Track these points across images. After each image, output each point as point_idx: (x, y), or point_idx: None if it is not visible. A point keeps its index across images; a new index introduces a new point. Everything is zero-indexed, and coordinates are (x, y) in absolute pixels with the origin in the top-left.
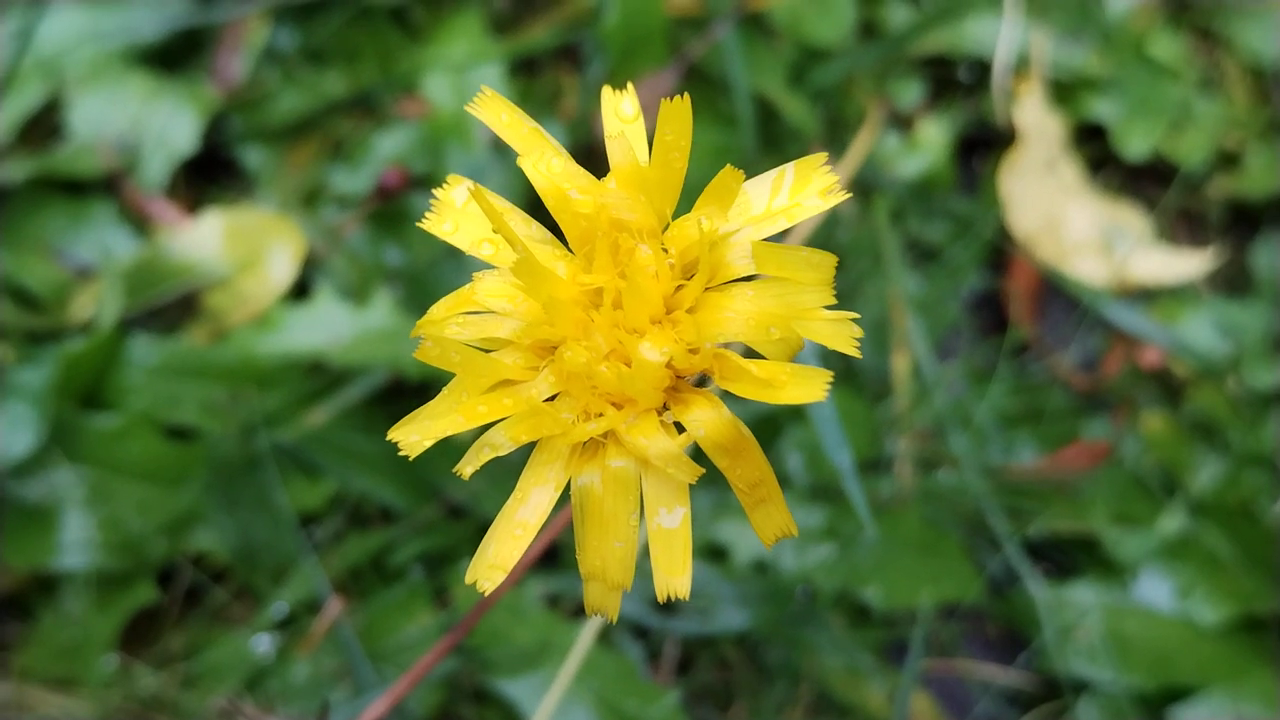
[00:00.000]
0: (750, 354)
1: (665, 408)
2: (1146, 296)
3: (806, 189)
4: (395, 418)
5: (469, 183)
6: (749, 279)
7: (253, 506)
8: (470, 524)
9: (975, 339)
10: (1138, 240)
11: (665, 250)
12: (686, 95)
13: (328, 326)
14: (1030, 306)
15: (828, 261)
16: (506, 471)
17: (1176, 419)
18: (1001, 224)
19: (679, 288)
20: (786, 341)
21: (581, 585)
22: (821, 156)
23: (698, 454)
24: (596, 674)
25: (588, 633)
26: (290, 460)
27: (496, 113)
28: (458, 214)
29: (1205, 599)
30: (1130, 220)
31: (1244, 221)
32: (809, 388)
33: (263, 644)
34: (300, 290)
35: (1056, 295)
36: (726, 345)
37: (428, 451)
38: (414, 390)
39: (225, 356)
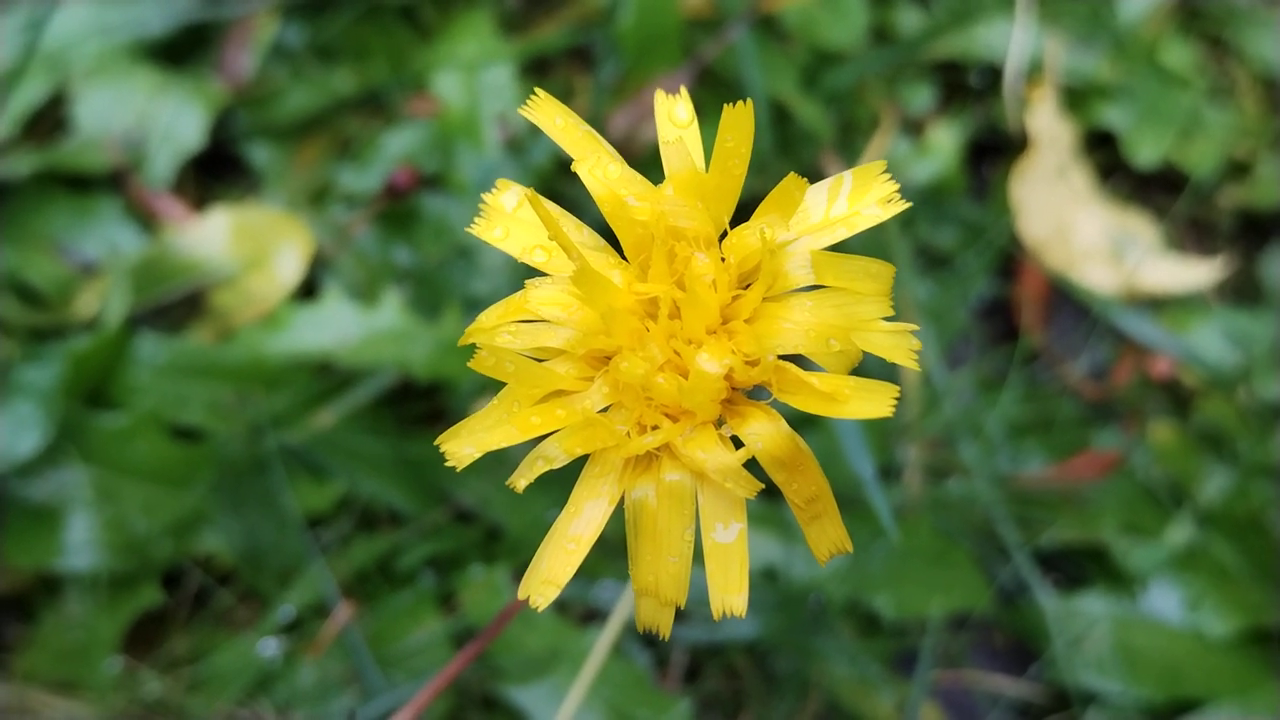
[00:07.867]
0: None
1: (721, 421)
2: (1155, 305)
3: (865, 197)
4: (404, 419)
5: (522, 188)
6: (806, 289)
7: (259, 508)
8: (479, 528)
9: (985, 347)
10: (1147, 249)
11: (723, 259)
12: (749, 101)
13: (336, 327)
14: (1040, 314)
15: (886, 272)
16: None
17: (1185, 429)
18: (1012, 231)
19: (735, 297)
20: (846, 354)
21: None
22: (880, 164)
23: (752, 468)
24: (607, 682)
25: (604, 641)
26: (297, 462)
27: (550, 116)
28: (508, 219)
29: (1214, 611)
30: (1140, 228)
31: (1254, 231)
32: (875, 402)
33: (269, 648)
34: (308, 290)
35: (1066, 303)
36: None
37: (436, 454)
38: (423, 392)
39: (232, 356)
